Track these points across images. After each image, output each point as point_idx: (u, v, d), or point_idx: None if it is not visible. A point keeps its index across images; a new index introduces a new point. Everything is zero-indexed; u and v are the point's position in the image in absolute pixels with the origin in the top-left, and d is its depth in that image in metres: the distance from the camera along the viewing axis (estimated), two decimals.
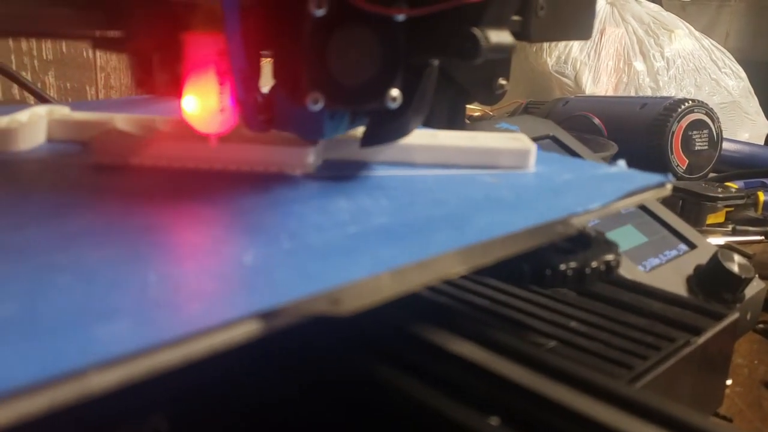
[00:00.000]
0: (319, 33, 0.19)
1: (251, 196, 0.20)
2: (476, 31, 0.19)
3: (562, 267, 0.22)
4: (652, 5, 1.23)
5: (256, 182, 0.21)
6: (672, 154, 0.70)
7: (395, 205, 0.19)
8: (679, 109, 0.71)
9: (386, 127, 0.22)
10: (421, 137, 0.25)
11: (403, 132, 0.22)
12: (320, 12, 0.18)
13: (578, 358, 0.21)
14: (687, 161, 0.71)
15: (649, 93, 1.10)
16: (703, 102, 0.73)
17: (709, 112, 0.73)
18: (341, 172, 0.23)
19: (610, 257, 0.23)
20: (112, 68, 0.81)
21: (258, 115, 0.20)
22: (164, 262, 0.15)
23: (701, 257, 0.41)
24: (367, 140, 0.22)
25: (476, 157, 0.24)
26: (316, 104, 0.19)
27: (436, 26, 0.20)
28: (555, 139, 0.52)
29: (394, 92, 0.20)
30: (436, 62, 0.21)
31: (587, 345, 0.22)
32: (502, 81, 0.24)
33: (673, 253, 0.42)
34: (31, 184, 0.20)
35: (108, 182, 0.20)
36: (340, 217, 0.18)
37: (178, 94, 0.22)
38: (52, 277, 0.14)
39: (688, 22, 1.21)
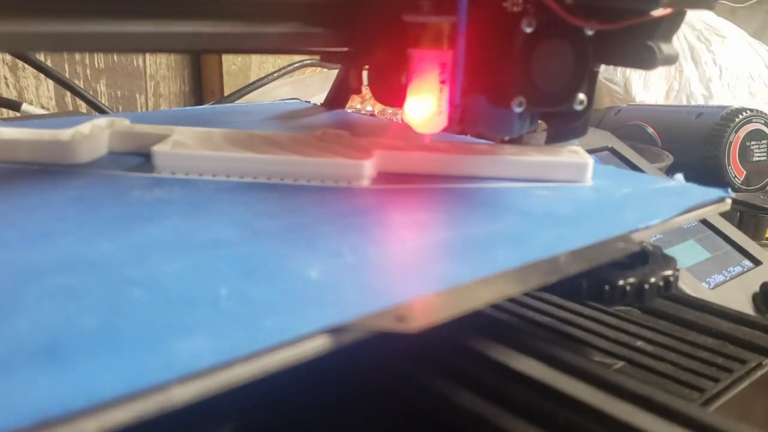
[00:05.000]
0: (526, 46, 0.23)
1: (310, 210, 0.20)
2: (652, 44, 0.22)
3: (621, 283, 0.21)
4: (704, 11, 1.20)
5: (314, 196, 0.22)
6: (729, 165, 0.68)
7: (453, 220, 0.20)
8: (737, 119, 0.68)
9: (569, 127, 0.25)
10: (474, 150, 0.25)
11: (584, 131, 0.25)
12: (530, 29, 0.22)
13: (646, 379, 0.21)
14: (744, 172, 0.69)
15: (701, 101, 1.07)
16: (761, 111, 0.71)
17: None
18: (396, 185, 0.23)
19: (668, 272, 0.22)
20: (161, 77, 0.82)
21: (457, 116, 0.24)
22: (233, 277, 0.15)
23: (767, 274, 0.39)
24: (552, 139, 0.26)
25: (532, 171, 0.24)
26: (520, 107, 0.23)
27: (617, 39, 0.23)
28: (613, 151, 0.51)
29: (581, 95, 0.24)
30: (599, 68, 0.24)
31: (655, 366, 0.22)
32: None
33: (737, 269, 0.41)
34: (97, 197, 0.21)
35: (170, 195, 0.21)
36: (398, 231, 0.18)
37: (393, 101, 0.26)
38: (126, 291, 0.14)
39: (739, 27, 1.18)
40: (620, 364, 0.22)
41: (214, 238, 0.17)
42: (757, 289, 0.39)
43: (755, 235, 0.58)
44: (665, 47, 0.22)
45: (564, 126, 0.26)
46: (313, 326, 0.13)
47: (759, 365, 0.22)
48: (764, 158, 0.69)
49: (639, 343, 0.23)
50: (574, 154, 0.24)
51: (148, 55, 0.80)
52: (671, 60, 0.23)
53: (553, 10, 0.22)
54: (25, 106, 0.57)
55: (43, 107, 0.71)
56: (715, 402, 0.20)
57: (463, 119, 0.25)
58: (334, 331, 0.13)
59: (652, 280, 0.22)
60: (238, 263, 0.16)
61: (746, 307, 0.38)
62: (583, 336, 0.23)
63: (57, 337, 0.12)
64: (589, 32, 0.23)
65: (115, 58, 0.77)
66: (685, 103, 1.06)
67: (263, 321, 0.13)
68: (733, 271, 0.40)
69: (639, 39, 0.22)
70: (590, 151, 0.49)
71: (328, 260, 0.16)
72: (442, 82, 0.24)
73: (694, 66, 1.10)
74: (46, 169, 0.23)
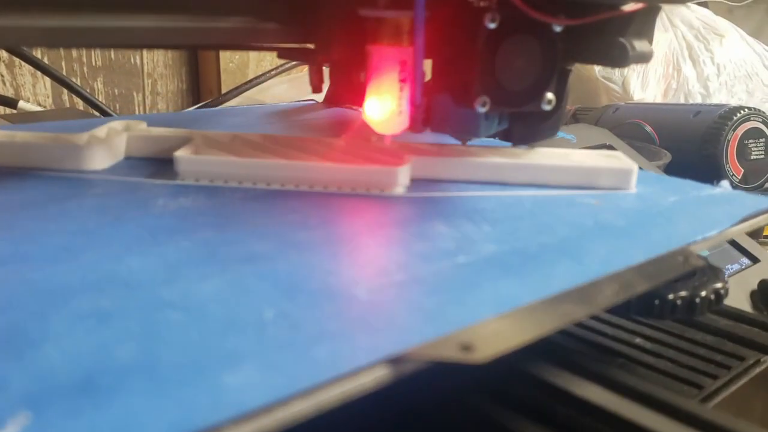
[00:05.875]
0: (490, 43, 0.21)
1: (346, 221, 0.19)
2: (624, 41, 0.21)
3: (671, 297, 0.20)
4: (702, 9, 1.20)
5: (347, 205, 0.20)
6: (727, 163, 0.68)
7: (499, 231, 0.18)
8: (735, 118, 0.69)
9: (536, 128, 0.24)
10: (512, 155, 0.24)
11: (553, 132, 0.24)
12: (493, 25, 0.21)
13: (645, 376, 0.21)
14: (742, 170, 0.69)
15: (699, 99, 1.07)
16: (759, 110, 0.71)
17: (766, 121, 0.71)
18: (432, 193, 0.22)
19: (718, 285, 0.21)
20: (159, 75, 0.81)
21: (419, 116, 0.23)
22: (275, 297, 0.14)
23: (765, 272, 0.39)
24: (520, 139, 0.25)
25: (574, 177, 0.22)
26: (483, 107, 0.22)
27: (587, 36, 0.22)
28: (611, 149, 0.51)
29: (550, 95, 0.22)
30: (572, 67, 0.23)
31: (654, 363, 0.21)
32: None
33: (735, 267, 0.40)
34: (120, 206, 0.19)
35: (196, 204, 0.20)
36: (444, 245, 0.17)
37: (354, 100, 0.24)
38: (163, 314, 0.13)
39: (737, 26, 1.18)
40: (620, 360, 0.21)
41: (249, 253, 0.16)
42: (755, 286, 0.38)
43: (753, 232, 0.57)
44: (638, 44, 0.21)
45: (533, 126, 0.24)
46: (370, 356, 0.12)
47: (757, 362, 0.22)
48: (762, 156, 0.70)
49: (638, 340, 0.23)
50: (616, 159, 0.23)
51: (145, 54, 0.79)
52: (645, 57, 0.22)
53: (515, 5, 0.20)
54: (21, 104, 0.56)
55: (40, 105, 0.70)
56: (713, 399, 0.20)
57: (428, 119, 0.23)
58: (393, 361, 0.12)
59: (703, 293, 0.21)
60: (279, 281, 0.15)
61: (744, 305, 0.38)
62: (584, 334, 0.23)
63: (92, 369, 0.11)
64: (558, 28, 0.22)
65: (113, 56, 0.76)
66: (683, 101, 1.06)
67: (315, 349, 0.12)
68: (731, 268, 0.40)
69: (611, 36, 0.21)
70: (587, 148, 0.49)
71: (374, 277, 0.15)
72: (402, 80, 0.22)
73: (692, 65, 1.10)
74: (62, 176, 0.22)
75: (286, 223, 0.18)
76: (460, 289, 0.15)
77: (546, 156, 0.23)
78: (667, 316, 0.21)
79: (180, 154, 0.22)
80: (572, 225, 0.19)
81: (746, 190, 0.68)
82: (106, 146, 0.23)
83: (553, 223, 0.19)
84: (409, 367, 0.12)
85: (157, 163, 0.24)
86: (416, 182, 0.23)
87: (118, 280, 0.15)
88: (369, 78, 0.23)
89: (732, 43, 1.14)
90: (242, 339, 0.12)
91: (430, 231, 0.18)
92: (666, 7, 1.17)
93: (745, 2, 1.47)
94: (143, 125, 0.26)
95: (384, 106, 0.23)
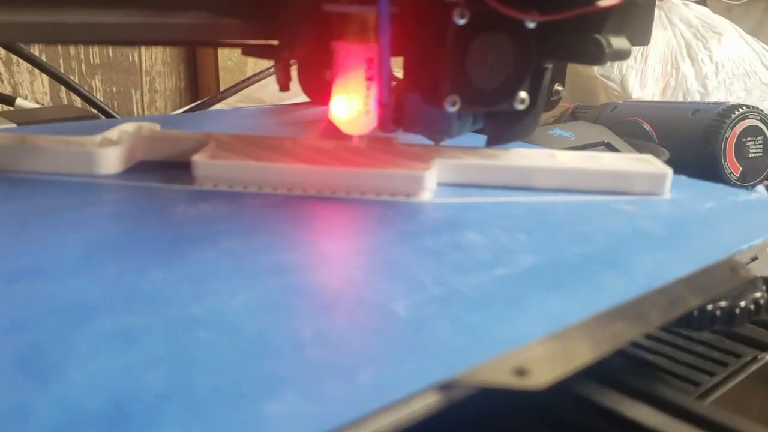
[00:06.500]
0: (459, 40, 0.20)
1: (374, 229, 0.18)
2: (600, 37, 0.20)
3: (710, 307, 0.19)
4: (700, 8, 1.20)
5: (372, 212, 0.20)
6: (725, 161, 0.68)
7: (536, 240, 0.18)
8: (733, 115, 0.69)
9: (511, 128, 0.23)
10: (541, 159, 0.23)
11: (528, 132, 0.23)
12: (462, 21, 0.20)
13: (643, 372, 0.20)
14: (740, 168, 0.69)
15: (697, 98, 1.07)
16: (757, 108, 0.71)
17: (764, 119, 0.71)
18: (460, 198, 0.21)
19: (758, 295, 0.21)
20: (157, 72, 0.81)
21: (388, 115, 0.22)
22: (310, 313, 0.13)
23: (763, 269, 0.39)
24: (492, 141, 0.24)
25: (606, 182, 0.22)
26: (453, 106, 0.21)
27: (562, 33, 0.21)
28: (610, 146, 0.51)
29: (523, 94, 0.22)
30: (550, 65, 0.22)
31: (652, 359, 0.21)
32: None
33: None
34: (137, 214, 0.19)
35: (217, 212, 0.19)
36: (480, 255, 0.16)
37: (322, 99, 0.24)
38: (193, 334, 0.12)
39: (735, 24, 1.18)
40: (617, 358, 0.21)
41: (276, 264, 0.15)
42: None
43: None
44: (615, 41, 0.21)
45: (508, 126, 0.24)
46: (419, 382, 0.11)
47: (754, 359, 0.21)
48: (760, 154, 0.69)
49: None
50: (649, 163, 0.22)
51: (143, 51, 0.78)
52: (623, 55, 0.21)
53: (485, 0, 0.20)
54: (19, 101, 0.55)
55: (37, 102, 0.69)
56: (710, 395, 0.19)
57: (398, 119, 0.22)
58: (444, 387, 0.11)
59: (743, 304, 0.20)
60: (311, 295, 0.14)
61: None
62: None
63: (121, 396, 0.10)
64: (531, 25, 0.21)
65: (111, 53, 0.75)
66: (681, 99, 1.06)
67: (358, 374, 0.11)
68: None
69: (587, 32, 0.21)
70: (586, 146, 0.48)
71: (411, 292, 0.14)
72: (369, 78, 0.22)
73: (690, 63, 1.10)
74: (74, 181, 0.21)
75: (312, 232, 0.18)
76: (505, 304, 0.14)
77: (576, 160, 0.23)
78: (706, 328, 0.20)
79: (198, 158, 0.21)
80: (611, 233, 0.18)
81: (744, 187, 0.68)
82: (119, 149, 0.22)
83: (590, 232, 0.18)
84: (460, 393, 0.11)
85: (172, 167, 0.23)
86: (441, 187, 0.22)
87: (142, 294, 0.14)
88: (335, 76, 0.22)
89: (730, 41, 1.14)
90: (280, 362, 0.11)
91: (463, 240, 0.17)
92: (664, 6, 1.16)
93: (744, 1, 1.47)
94: (156, 127, 0.25)
95: (350, 104, 0.22)
